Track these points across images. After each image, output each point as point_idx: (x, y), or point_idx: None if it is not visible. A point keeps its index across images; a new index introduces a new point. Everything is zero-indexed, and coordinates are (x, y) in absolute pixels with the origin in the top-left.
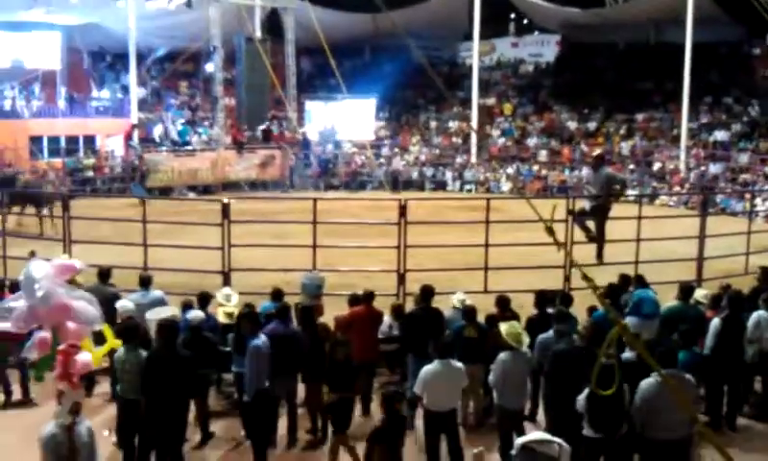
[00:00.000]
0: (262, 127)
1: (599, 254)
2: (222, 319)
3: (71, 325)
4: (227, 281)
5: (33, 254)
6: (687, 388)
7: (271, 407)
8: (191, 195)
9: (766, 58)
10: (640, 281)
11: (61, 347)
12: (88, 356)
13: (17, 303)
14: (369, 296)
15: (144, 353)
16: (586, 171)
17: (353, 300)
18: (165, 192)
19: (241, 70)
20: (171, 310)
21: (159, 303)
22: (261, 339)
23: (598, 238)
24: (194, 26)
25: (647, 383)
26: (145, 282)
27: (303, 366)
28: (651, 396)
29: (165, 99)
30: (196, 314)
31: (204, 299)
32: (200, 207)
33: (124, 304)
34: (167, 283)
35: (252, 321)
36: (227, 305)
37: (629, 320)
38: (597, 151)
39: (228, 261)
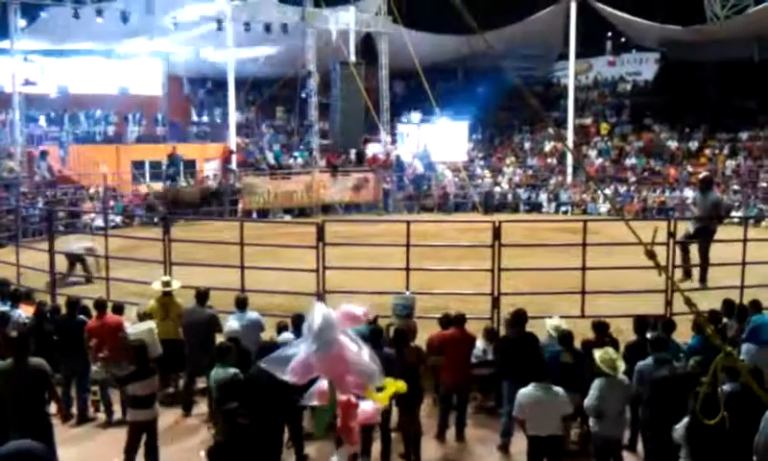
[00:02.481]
0: (358, 149)
1: (702, 278)
2: None
3: (350, 378)
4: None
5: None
6: None
7: (364, 430)
8: (287, 217)
9: None
10: (756, 306)
11: (342, 398)
12: (370, 406)
13: (295, 350)
14: (460, 319)
15: (233, 371)
16: (690, 193)
17: (445, 320)
18: (262, 215)
19: (335, 94)
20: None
21: (256, 324)
22: None
23: (701, 262)
24: (290, 52)
25: None
26: (241, 304)
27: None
28: None
29: (262, 124)
30: (286, 336)
31: (299, 320)
32: (295, 230)
33: (230, 325)
34: (263, 305)
35: None
36: None
37: (745, 347)
38: (704, 173)
39: (323, 283)
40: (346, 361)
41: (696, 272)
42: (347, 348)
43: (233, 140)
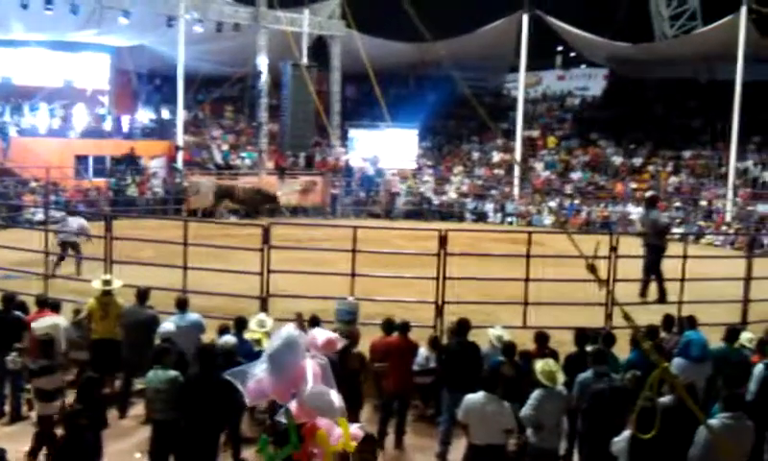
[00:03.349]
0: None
1: (661, 292)
2: (258, 345)
3: (303, 406)
4: (264, 307)
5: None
6: (748, 433)
7: None
8: (232, 219)
9: None
10: (691, 322)
11: (306, 423)
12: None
13: (257, 369)
14: (404, 326)
15: (173, 374)
16: (633, 208)
17: (388, 327)
18: (207, 215)
19: (286, 96)
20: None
21: (196, 325)
22: None
23: (645, 276)
24: (241, 51)
25: (713, 424)
26: (182, 305)
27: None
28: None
29: (210, 122)
30: (227, 339)
31: (241, 323)
32: (241, 231)
33: (165, 327)
34: (205, 307)
35: None
36: (259, 332)
37: (676, 362)
38: (651, 192)
39: (267, 287)
40: (298, 387)
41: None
42: (303, 375)
43: (180, 138)
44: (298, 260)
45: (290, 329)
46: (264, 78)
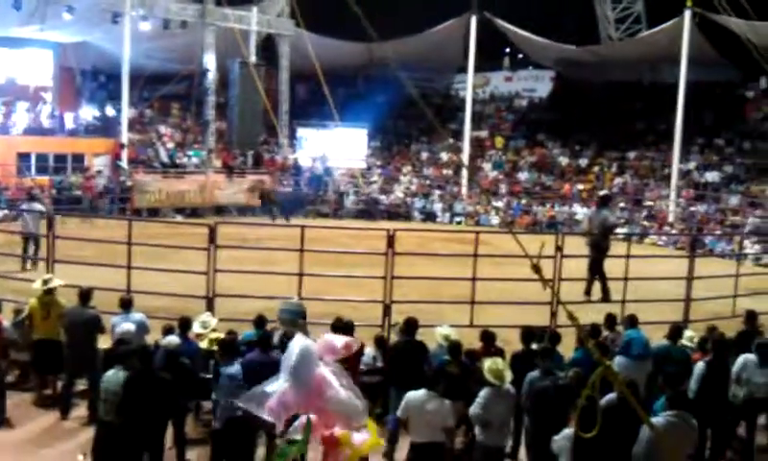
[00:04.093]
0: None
1: (605, 291)
2: (207, 345)
3: (330, 413)
4: (210, 307)
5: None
6: (691, 431)
7: (242, 436)
8: (178, 218)
9: (759, 101)
10: (632, 321)
11: (325, 433)
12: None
13: (273, 387)
14: (349, 326)
15: (123, 375)
16: (579, 208)
17: (336, 326)
18: (152, 214)
19: (234, 94)
20: None
21: (140, 326)
22: (235, 367)
23: (589, 275)
24: (188, 48)
25: (657, 422)
26: (125, 305)
27: None
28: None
29: (156, 120)
30: (171, 339)
31: (185, 324)
32: (186, 231)
33: (124, 326)
34: (149, 307)
35: (225, 349)
36: (203, 332)
37: (618, 360)
38: (604, 191)
39: (213, 287)
40: (324, 396)
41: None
42: (325, 382)
43: (125, 136)
44: (245, 260)
45: (303, 340)
46: (211, 76)
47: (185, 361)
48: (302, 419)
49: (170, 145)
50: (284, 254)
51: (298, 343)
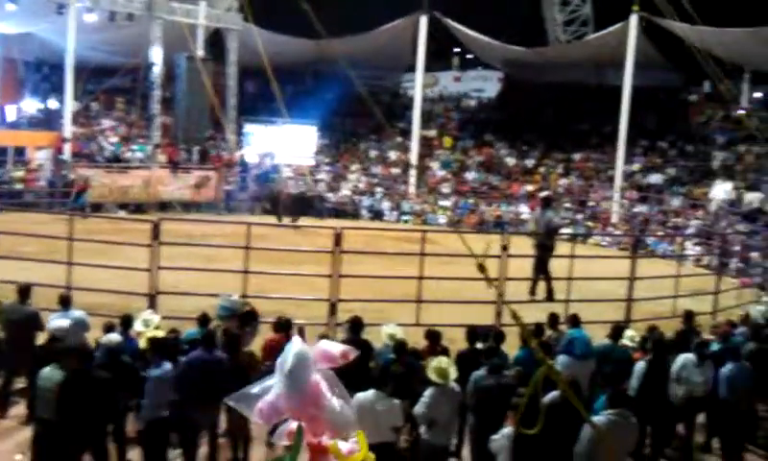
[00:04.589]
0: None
1: (549, 291)
2: (144, 344)
3: (322, 421)
4: (152, 304)
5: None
6: (632, 429)
7: (165, 438)
8: (121, 213)
9: (702, 105)
10: (574, 321)
11: (313, 441)
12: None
13: (263, 387)
14: (285, 324)
15: (60, 373)
16: (525, 208)
17: (277, 325)
18: (95, 209)
19: (180, 89)
20: None
21: (80, 323)
22: (164, 368)
23: (534, 275)
24: (135, 41)
25: (599, 421)
26: (65, 302)
27: (226, 394)
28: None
29: (101, 114)
30: (111, 337)
31: (127, 322)
32: (129, 226)
33: (58, 323)
34: (91, 304)
35: (156, 348)
36: (145, 331)
37: (560, 359)
38: (546, 192)
39: (156, 284)
40: (318, 404)
41: (526, 285)
42: (320, 390)
43: (68, 129)
44: (189, 257)
45: (300, 344)
46: (158, 70)
47: (126, 359)
48: (291, 425)
49: (114, 139)
50: (230, 251)
51: (294, 347)
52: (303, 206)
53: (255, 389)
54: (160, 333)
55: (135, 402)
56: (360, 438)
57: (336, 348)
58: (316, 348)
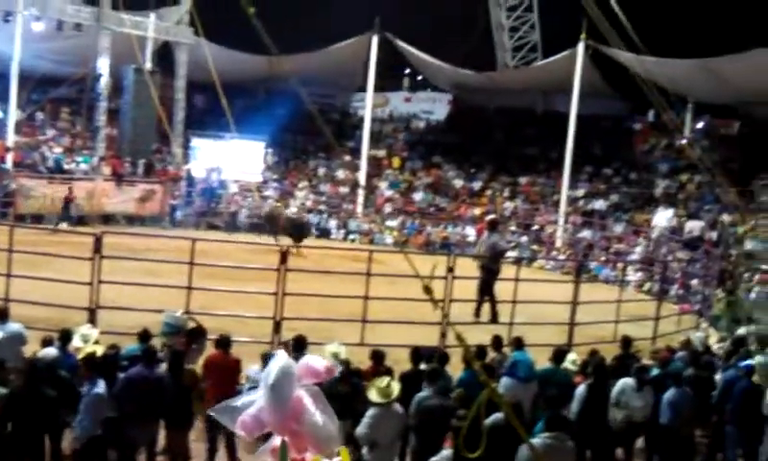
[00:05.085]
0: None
1: (493, 313)
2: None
3: (304, 437)
4: (92, 319)
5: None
6: (569, 452)
7: (103, 455)
8: (63, 225)
9: (646, 133)
10: (518, 344)
11: (296, 457)
12: None
13: (246, 400)
14: (224, 342)
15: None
16: (471, 230)
17: (219, 342)
18: (36, 220)
19: (127, 101)
20: None
21: (17, 337)
22: (99, 385)
23: (479, 297)
24: (82, 52)
25: (537, 444)
26: (1, 315)
27: (166, 412)
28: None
29: (45, 124)
30: (48, 352)
31: (65, 336)
32: (71, 239)
33: None
34: (29, 317)
35: (90, 366)
36: (84, 346)
37: (504, 382)
38: (492, 216)
39: (96, 298)
40: (300, 419)
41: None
42: (303, 405)
43: (11, 138)
44: (132, 271)
45: (284, 358)
46: (104, 81)
47: (64, 374)
48: (275, 441)
49: (58, 150)
50: (173, 266)
51: (278, 361)
52: (302, 229)
53: (239, 402)
54: (99, 349)
55: (72, 419)
56: (343, 455)
57: (320, 363)
58: (300, 363)
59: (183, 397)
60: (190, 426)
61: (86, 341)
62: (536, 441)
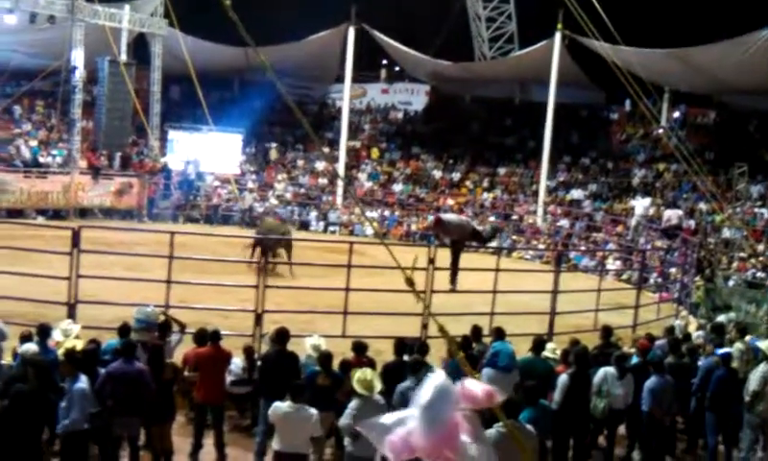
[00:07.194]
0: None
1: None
2: (61, 353)
3: None
4: (71, 314)
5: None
6: (528, 439)
7: (85, 450)
8: (40, 219)
9: (623, 123)
10: (499, 334)
11: None
12: None
13: (398, 418)
14: (215, 335)
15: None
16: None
17: (200, 337)
18: (12, 214)
19: (102, 93)
20: None
21: None
22: (81, 380)
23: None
24: (56, 44)
25: (489, 434)
26: None
27: (147, 406)
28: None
29: (20, 117)
30: (28, 347)
31: (45, 331)
32: (48, 233)
33: None
34: (6, 312)
35: (71, 361)
36: (65, 341)
37: (485, 372)
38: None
39: (75, 292)
40: (453, 447)
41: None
42: (458, 431)
43: None
44: (110, 265)
45: (442, 377)
46: (79, 73)
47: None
48: None
49: (33, 143)
50: (153, 260)
51: (434, 380)
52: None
53: (389, 420)
54: (80, 343)
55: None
56: None
57: (479, 387)
58: (459, 387)
59: (165, 391)
60: (172, 421)
61: (67, 335)
62: (490, 431)
